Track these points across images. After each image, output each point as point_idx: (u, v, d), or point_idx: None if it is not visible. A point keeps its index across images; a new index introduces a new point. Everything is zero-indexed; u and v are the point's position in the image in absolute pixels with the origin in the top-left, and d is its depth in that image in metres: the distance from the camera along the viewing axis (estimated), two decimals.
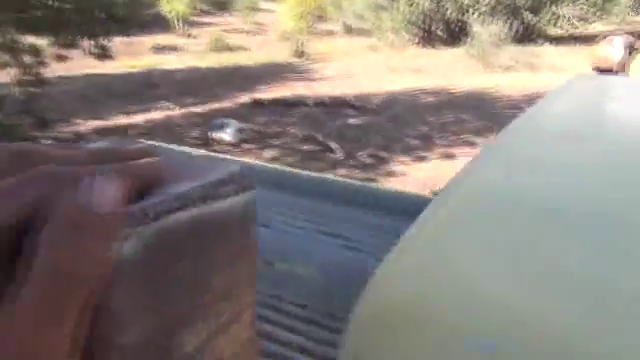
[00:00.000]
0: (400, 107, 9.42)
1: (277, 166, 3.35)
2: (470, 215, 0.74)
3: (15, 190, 0.26)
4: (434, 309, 0.57)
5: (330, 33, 20.59)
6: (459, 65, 13.18)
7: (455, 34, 16.43)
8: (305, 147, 7.56)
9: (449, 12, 16.23)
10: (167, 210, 0.31)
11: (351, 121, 8.72)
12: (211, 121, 8.31)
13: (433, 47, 16.23)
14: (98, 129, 8.37)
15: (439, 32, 16.92)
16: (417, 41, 16.87)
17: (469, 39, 14.50)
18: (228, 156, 3.95)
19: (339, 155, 7.08)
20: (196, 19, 22.08)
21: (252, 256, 0.39)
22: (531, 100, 9.76)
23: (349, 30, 19.82)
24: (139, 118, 9.12)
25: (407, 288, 0.61)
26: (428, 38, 16.82)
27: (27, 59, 6.48)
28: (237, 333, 0.39)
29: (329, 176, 3.04)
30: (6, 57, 5.87)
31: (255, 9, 25.05)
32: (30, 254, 0.25)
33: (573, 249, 0.63)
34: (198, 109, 9.65)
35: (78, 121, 8.77)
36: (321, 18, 22.10)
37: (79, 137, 7.96)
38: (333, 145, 7.37)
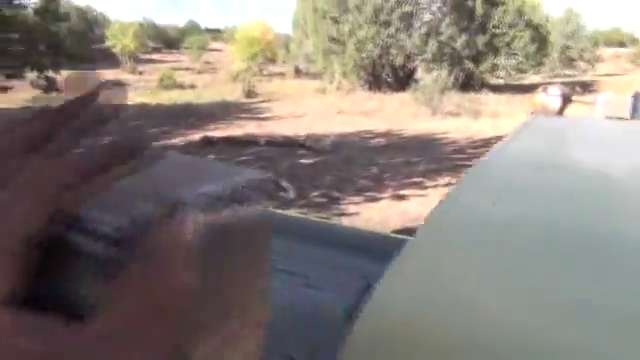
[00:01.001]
0: (351, 148, 9.58)
1: None
2: (460, 240, 0.76)
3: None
4: (430, 333, 0.58)
5: (280, 75, 20.88)
6: (407, 109, 13.61)
7: (402, 80, 17.03)
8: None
9: (396, 58, 16.86)
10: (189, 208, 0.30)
11: (302, 161, 8.77)
12: None
13: (381, 91, 16.73)
14: None
15: (387, 77, 17.51)
16: (366, 85, 17.37)
17: (415, 85, 15.08)
18: None
19: (291, 194, 7.08)
20: (145, 56, 21.93)
21: (265, 270, 0.38)
22: (475, 144, 10.20)
23: (299, 72, 20.19)
24: None
25: (403, 313, 0.61)
26: (376, 82, 17.35)
27: None
28: (246, 350, 0.37)
29: (290, 212, 3.03)
30: None
31: (205, 48, 25.15)
32: (127, 276, 0.27)
33: (561, 270, 0.66)
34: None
35: None
36: (271, 60, 22.42)
37: None
38: (285, 184, 7.37)
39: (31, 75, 7.36)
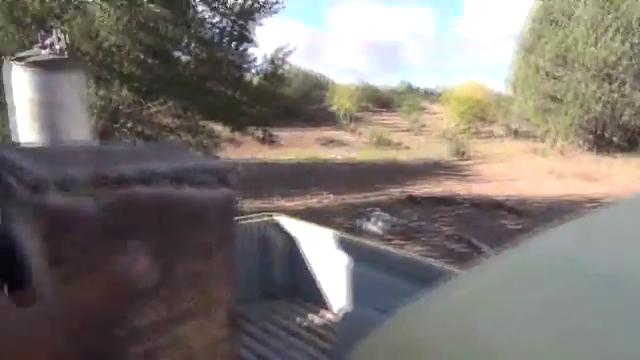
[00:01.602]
0: (563, 215, 8.71)
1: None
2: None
3: None
4: None
5: (492, 135, 20.25)
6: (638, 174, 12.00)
7: (633, 140, 15.13)
8: (454, 246, 7.26)
9: (625, 117, 15.08)
10: (128, 180, 0.31)
11: (506, 223, 8.25)
12: (361, 211, 8.42)
13: (607, 153, 15.06)
14: (260, 209, 8.96)
15: (613, 137, 15.71)
16: (587, 146, 15.81)
17: None
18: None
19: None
20: (361, 115, 23.29)
21: (227, 254, 0.36)
22: None
23: (512, 132, 19.32)
24: (296, 202, 9.59)
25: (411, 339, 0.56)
26: (600, 143, 15.68)
27: (206, 141, 7.28)
28: (208, 328, 0.37)
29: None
30: (188, 137, 6.68)
31: (418, 109, 25.73)
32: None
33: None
34: (352, 199, 9.90)
35: (243, 201, 9.49)
36: (483, 120, 21.93)
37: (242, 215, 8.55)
38: (485, 248, 6.97)
39: (257, 132, 8.30)
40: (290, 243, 3.67)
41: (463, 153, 15.69)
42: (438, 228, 8.00)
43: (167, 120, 6.82)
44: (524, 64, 16.64)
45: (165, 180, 0.26)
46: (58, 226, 0.26)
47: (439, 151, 16.19)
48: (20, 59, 3.93)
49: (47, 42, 4.35)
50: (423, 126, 22.17)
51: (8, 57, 4.03)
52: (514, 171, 12.90)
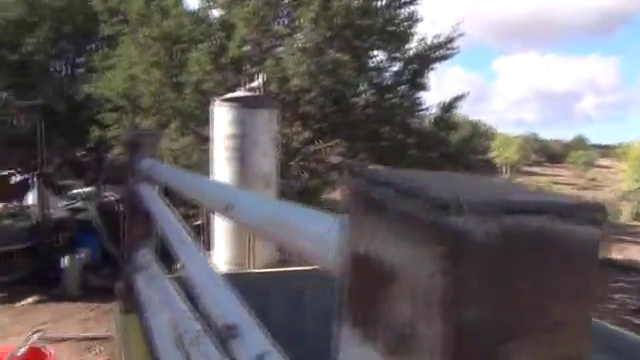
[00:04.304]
0: None
1: None
2: None
3: None
4: None
5: None
6: None
7: None
8: (637, 321, 6.45)
9: None
10: (524, 209, 0.33)
11: None
12: None
13: None
14: None
15: None
16: None
17: None
18: None
19: None
20: (526, 168, 22.08)
21: (589, 302, 0.36)
22: None
23: None
24: None
25: None
26: None
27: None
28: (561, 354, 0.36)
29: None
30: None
31: (591, 164, 23.66)
32: None
33: None
34: None
35: None
36: None
37: None
38: None
39: None
40: None
41: None
42: (618, 298, 7.18)
43: (336, 160, 7.11)
44: None
45: (550, 212, 0.27)
46: (463, 249, 0.28)
47: (615, 211, 14.70)
48: (226, 100, 4.43)
49: (248, 86, 4.86)
50: (593, 179, 20.37)
51: (215, 98, 4.57)
52: None
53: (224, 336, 1.24)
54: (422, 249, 0.35)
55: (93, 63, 9.49)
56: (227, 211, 1.17)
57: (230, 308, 1.32)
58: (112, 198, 7.34)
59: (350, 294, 0.50)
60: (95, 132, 8.14)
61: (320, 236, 0.72)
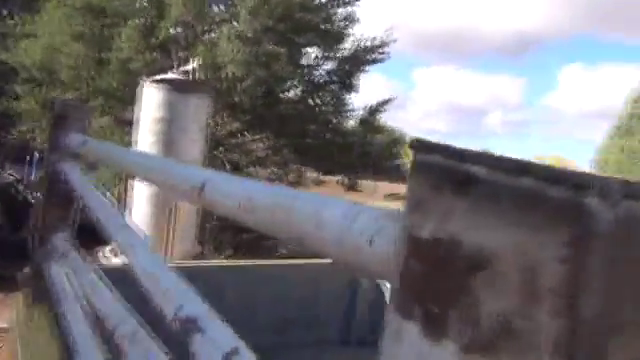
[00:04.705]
0: None
1: None
2: None
3: None
4: None
5: None
6: None
7: None
8: None
9: None
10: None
11: None
12: None
13: None
14: None
15: None
16: None
17: None
18: None
19: None
20: None
21: None
22: None
23: None
24: None
25: None
26: None
27: (292, 177, 7.38)
28: None
29: None
30: (280, 172, 6.79)
31: None
32: None
33: None
34: None
35: None
36: None
37: None
38: None
39: (343, 178, 8.35)
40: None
41: None
42: None
43: (262, 153, 7.00)
44: (617, 148, 16.01)
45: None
46: (594, 234, 0.25)
47: None
48: (157, 81, 4.21)
49: (182, 69, 4.66)
50: None
51: (145, 79, 4.33)
52: None
53: (181, 331, 1.14)
54: (536, 233, 0.31)
55: (7, 29, 8.70)
56: (200, 194, 1.07)
57: (185, 300, 1.22)
58: (11, 178, 6.79)
59: (413, 284, 0.44)
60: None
61: (335, 221, 0.67)
